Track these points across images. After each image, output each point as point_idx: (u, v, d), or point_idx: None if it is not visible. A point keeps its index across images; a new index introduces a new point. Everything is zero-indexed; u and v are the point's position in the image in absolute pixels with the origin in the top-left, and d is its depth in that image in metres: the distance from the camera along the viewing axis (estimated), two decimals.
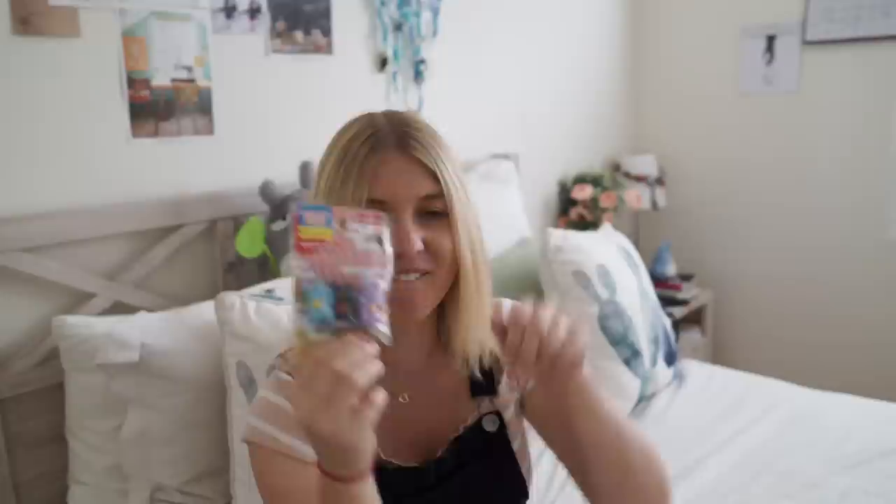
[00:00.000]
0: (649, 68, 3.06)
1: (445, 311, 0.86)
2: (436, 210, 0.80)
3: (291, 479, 0.79)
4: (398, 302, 0.73)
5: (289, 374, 0.84)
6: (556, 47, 2.65)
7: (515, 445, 0.92)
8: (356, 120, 0.83)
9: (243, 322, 1.30)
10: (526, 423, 0.97)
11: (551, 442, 0.94)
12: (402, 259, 0.75)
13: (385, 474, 0.81)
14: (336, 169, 0.79)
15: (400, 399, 0.87)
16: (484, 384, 0.91)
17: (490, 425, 0.90)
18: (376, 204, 0.76)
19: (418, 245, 0.78)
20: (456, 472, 0.87)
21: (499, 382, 0.93)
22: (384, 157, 0.78)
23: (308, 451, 0.78)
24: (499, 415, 0.91)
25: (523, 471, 0.92)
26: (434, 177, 0.79)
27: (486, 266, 0.84)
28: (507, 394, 0.94)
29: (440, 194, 0.79)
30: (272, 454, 0.80)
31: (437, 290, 0.82)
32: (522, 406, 0.96)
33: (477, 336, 0.84)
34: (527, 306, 0.76)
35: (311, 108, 1.85)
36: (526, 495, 0.91)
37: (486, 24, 2.34)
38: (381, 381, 0.65)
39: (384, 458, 0.83)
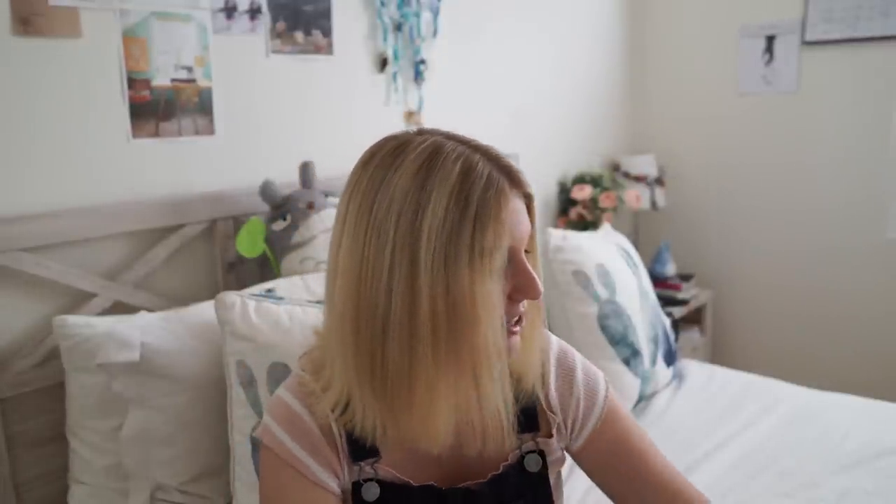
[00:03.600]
0: (649, 68, 3.07)
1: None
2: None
3: (291, 492, 0.78)
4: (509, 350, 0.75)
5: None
6: (556, 47, 2.65)
7: (552, 479, 0.89)
8: (441, 153, 0.72)
9: (244, 322, 1.30)
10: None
11: (605, 488, 0.92)
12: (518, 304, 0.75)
13: (412, 495, 0.80)
14: (460, 215, 0.69)
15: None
16: (527, 420, 0.86)
17: (533, 465, 0.86)
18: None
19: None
20: None
21: (539, 415, 0.88)
22: (507, 199, 0.72)
23: (315, 470, 0.78)
24: (542, 454, 0.87)
25: None
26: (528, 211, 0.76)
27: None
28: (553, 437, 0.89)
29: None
30: (279, 461, 0.78)
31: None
32: (569, 450, 0.93)
33: (535, 370, 0.83)
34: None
35: (312, 108, 1.86)
36: None
37: (486, 24, 2.34)
38: None
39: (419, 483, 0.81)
